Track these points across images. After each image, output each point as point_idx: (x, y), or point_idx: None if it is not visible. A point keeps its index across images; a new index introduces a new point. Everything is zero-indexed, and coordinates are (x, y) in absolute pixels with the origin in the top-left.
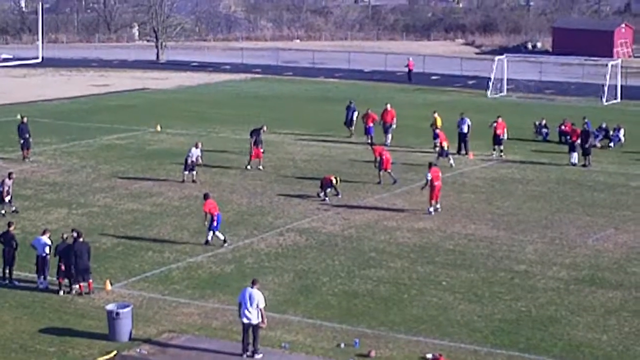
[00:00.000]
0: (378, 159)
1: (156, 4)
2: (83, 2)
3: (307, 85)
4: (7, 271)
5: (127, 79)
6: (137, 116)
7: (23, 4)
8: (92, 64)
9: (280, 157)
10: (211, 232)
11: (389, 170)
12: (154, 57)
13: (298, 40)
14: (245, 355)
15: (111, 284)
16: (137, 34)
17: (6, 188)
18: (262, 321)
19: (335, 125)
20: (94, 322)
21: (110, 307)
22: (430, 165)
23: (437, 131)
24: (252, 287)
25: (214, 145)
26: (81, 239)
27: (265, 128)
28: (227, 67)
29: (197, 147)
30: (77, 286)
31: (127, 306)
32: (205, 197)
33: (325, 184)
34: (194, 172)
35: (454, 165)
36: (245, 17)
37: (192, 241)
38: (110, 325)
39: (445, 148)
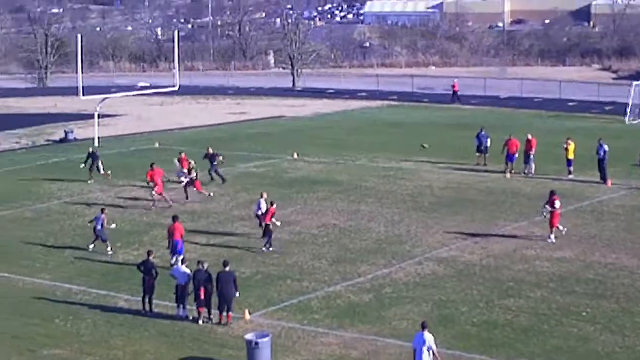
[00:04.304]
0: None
1: (291, 31)
2: (219, 30)
3: (442, 112)
4: (147, 300)
5: (263, 106)
6: (274, 144)
7: (159, 32)
8: (229, 92)
9: (417, 184)
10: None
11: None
12: (289, 84)
13: (433, 67)
14: None
15: (250, 313)
16: (272, 61)
17: (98, 226)
18: None
19: (471, 153)
20: (233, 351)
21: (249, 336)
22: (553, 192)
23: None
24: (422, 331)
25: (350, 173)
26: (227, 268)
27: (216, 153)
28: (363, 93)
29: (262, 197)
30: (219, 315)
31: (266, 335)
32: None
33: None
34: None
35: None
36: (380, 44)
37: (331, 270)
38: (249, 354)
39: None
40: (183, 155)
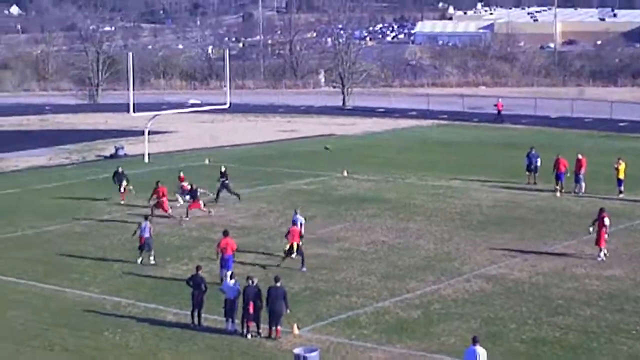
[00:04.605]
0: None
1: (342, 51)
2: (269, 49)
3: (492, 132)
4: (196, 314)
5: (313, 124)
6: (323, 162)
7: (210, 51)
8: (279, 110)
9: (466, 203)
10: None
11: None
12: (340, 103)
13: (484, 87)
14: None
15: (299, 328)
16: (323, 80)
17: (146, 235)
18: None
19: (521, 172)
20: None
21: (297, 351)
22: (602, 210)
23: None
24: (474, 345)
25: (399, 191)
26: (278, 284)
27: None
28: (413, 113)
29: (297, 214)
30: (268, 329)
31: (315, 350)
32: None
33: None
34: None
35: None
36: (431, 64)
37: (379, 286)
38: None
39: None
40: (181, 175)
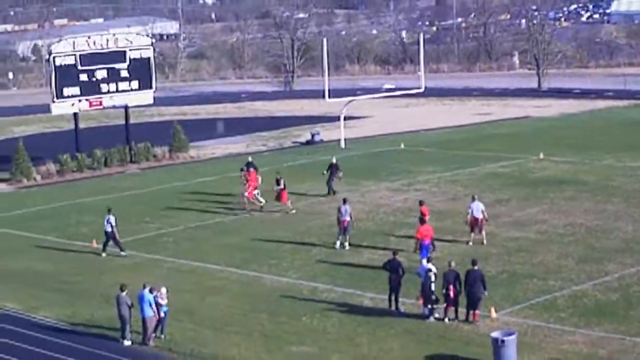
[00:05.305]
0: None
1: (536, 32)
2: (463, 32)
3: None
4: (393, 298)
5: (508, 107)
6: (519, 144)
7: (404, 35)
8: (474, 93)
9: None
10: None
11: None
12: (535, 85)
13: None
14: None
15: (496, 312)
16: (517, 62)
17: (347, 218)
18: None
19: None
20: (479, 349)
21: (495, 334)
22: None
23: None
24: None
25: (597, 173)
26: (476, 267)
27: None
28: (610, 93)
29: (474, 200)
30: (466, 313)
31: (512, 333)
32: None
33: None
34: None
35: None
36: (627, 43)
37: (577, 269)
38: (495, 352)
39: None
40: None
